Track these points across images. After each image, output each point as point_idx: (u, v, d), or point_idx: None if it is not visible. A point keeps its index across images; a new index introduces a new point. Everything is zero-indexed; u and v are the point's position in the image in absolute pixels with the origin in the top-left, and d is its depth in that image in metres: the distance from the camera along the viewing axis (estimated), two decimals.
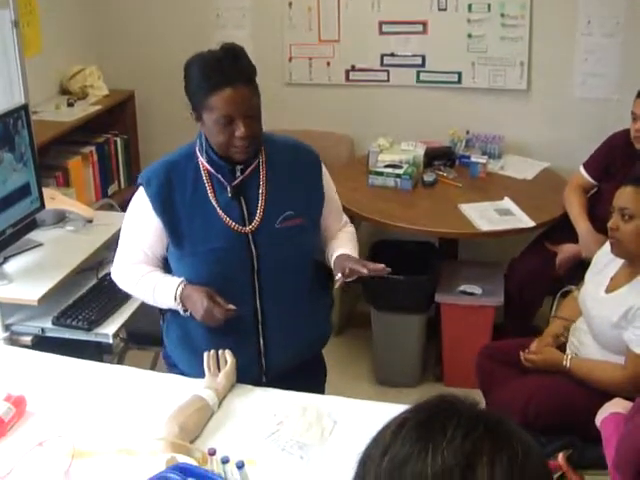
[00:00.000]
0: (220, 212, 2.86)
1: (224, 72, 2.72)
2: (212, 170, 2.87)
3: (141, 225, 2.93)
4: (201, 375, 2.83)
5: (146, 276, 2.96)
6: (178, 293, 2.86)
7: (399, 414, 1.22)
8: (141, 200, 2.90)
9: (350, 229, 3.24)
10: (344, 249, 3.05)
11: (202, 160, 2.88)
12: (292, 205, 2.93)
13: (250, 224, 2.88)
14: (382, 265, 2.87)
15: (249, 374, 2.92)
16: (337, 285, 2.91)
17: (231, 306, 2.82)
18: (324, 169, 3.09)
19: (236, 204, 2.88)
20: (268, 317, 2.94)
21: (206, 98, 2.73)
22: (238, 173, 2.87)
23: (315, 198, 3.04)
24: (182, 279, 2.89)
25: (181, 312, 2.89)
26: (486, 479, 1.11)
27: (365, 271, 2.84)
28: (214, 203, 2.86)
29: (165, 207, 2.85)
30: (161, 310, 3.10)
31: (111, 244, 3.90)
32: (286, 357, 3.01)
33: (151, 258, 2.97)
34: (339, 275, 2.88)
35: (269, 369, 2.99)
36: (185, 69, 2.82)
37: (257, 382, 2.93)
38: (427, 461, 1.13)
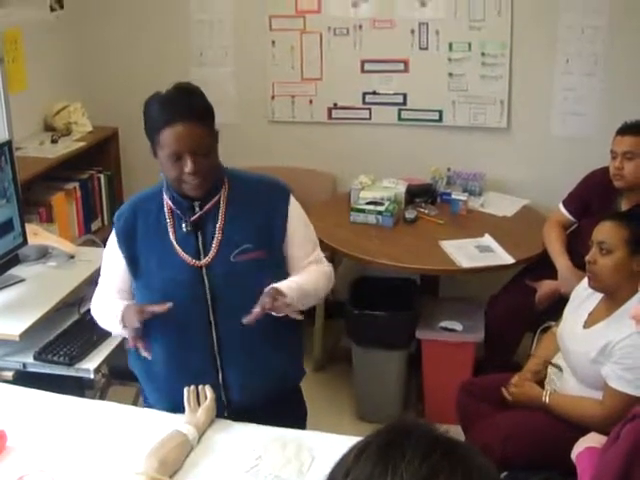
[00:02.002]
0: (176, 246, 2.91)
1: (172, 110, 2.76)
2: (173, 206, 2.93)
3: (110, 261, 3.06)
4: (166, 408, 2.92)
5: (105, 307, 3.08)
6: (120, 313, 2.95)
7: (363, 438, 1.26)
8: (112, 237, 3.03)
9: (319, 267, 3.14)
10: (286, 282, 2.95)
11: (165, 197, 2.95)
12: (250, 239, 2.93)
13: (204, 258, 2.92)
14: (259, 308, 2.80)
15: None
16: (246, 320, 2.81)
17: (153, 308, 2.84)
18: (292, 202, 3.05)
19: (193, 239, 2.92)
20: (226, 352, 2.95)
21: (157, 135, 2.78)
22: (197, 209, 2.91)
23: (277, 231, 3.00)
24: (124, 303, 2.97)
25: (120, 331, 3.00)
26: None
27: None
28: (172, 237, 2.92)
29: (128, 242, 2.97)
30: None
31: (93, 280, 3.91)
32: (248, 393, 2.99)
33: (121, 293, 3.05)
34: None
35: (230, 404, 2.99)
36: (143, 108, 2.88)
37: (219, 416, 2.93)
38: None
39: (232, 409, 2.99)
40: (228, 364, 2.97)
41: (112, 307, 3.01)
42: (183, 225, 2.91)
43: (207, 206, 2.92)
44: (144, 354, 2.90)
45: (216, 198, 2.93)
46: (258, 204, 3.00)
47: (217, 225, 2.93)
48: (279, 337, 3.00)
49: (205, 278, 2.91)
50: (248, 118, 5.65)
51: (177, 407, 2.91)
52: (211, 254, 2.91)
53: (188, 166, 2.76)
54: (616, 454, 2.58)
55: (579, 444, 2.93)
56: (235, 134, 5.18)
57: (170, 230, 2.93)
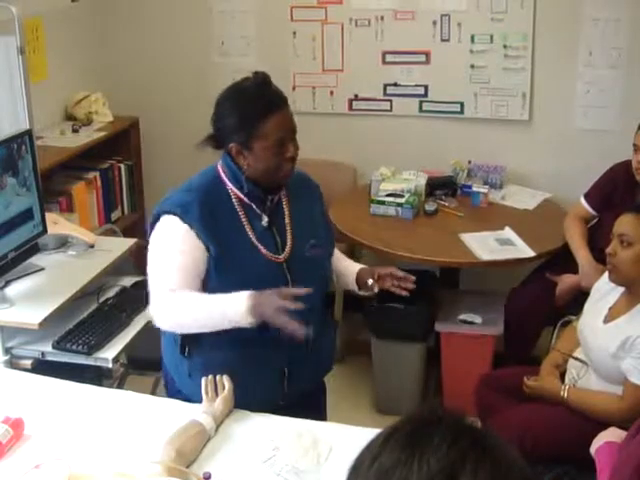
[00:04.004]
0: (255, 241, 2.88)
1: (271, 97, 2.83)
2: (246, 200, 2.89)
3: (185, 252, 2.83)
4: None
5: (199, 299, 2.84)
6: (248, 303, 2.72)
7: (390, 425, 1.25)
8: (179, 229, 2.82)
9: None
10: (356, 264, 3.23)
11: (233, 189, 2.89)
12: (314, 234, 3.02)
13: (282, 253, 2.92)
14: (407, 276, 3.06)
15: (269, 398, 2.99)
16: (373, 287, 3.03)
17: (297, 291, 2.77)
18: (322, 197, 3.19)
19: (270, 233, 2.92)
20: (295, 346, 2.89)
21: (258, 126, 2.78)
22: (269, 203, 2.92)
23: (328, 228, 3.17)
24: (249, 292, 2.75)
25: (247, 324, 2.74)
26: None
27: (399, 274, 3.04)
28: (249, 232, 2.88)
29: (207, 231, 2.81)
30: (185, 352, 2.98)
31: (112, 269, 3.93)
32: (306, 381, 3.09)
33: (195, 285, 2.87)
34: (370, 280, 3.03)
35: (289, 392, 3.03)
36: (221, 104, 2.87)
37: (276, 406, 2.96)
38: (413, 469, 1.15)
39: (289, 397, 3.03)
40: (295, 355, 2.97)
41: (217, 300, 2.79)
42: (265, 219, 2.91)
43: (276, 198, 2.95)
44: (300, 333, 2.68)
45: (283, 191, 2.98)
46: (308, 201, 3.09)
47: (285, 219, 2.96)
48: (328, 326, 3.13)
49: (287, 273, 2.91)
50: None
51: (251, 404, 2.90)
52: (288, 249, 2.93)
53: (291, 150, 2.84)
54: (636, 451, 2.55)
55: (598, 439, 2.91)
56: None
57: (246, 224, 2.89)
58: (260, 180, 2.87)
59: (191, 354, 2.99)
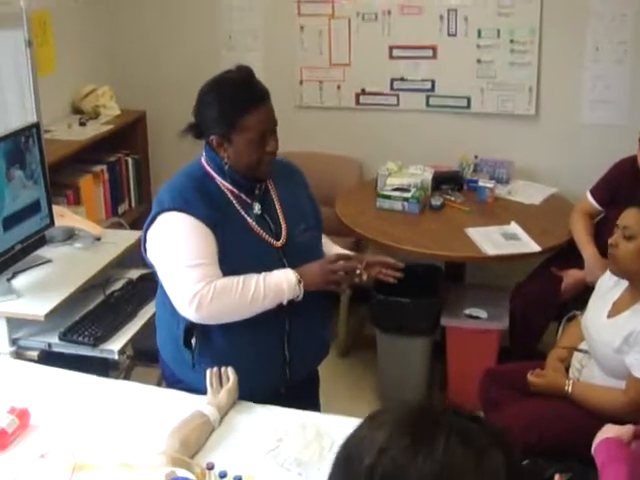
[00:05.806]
0: (257, 228, 2.90)
1: (254, 91, 2.84)
2: (235, 190, 2.91)
3: (203, 242, 2.81)
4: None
5: (246, 281, 2.83)
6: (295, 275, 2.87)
7: (389, 415, 1.25)
8: (186, 221, 2.81)
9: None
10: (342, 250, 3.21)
11: (221, 181, 2.91)
12: (303, 219, 3.05)
13: (278, 239, 2.94)
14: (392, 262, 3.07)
15: (273, 385, 3.02)
16: (361, 276, 2.97)
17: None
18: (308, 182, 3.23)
19: (264, 220, 2.94)
20: (294, 329, 2.99)
21: (239, 119, 2.80)
22: (257, 191, 2.95)
23: (316, 211, 3.16)
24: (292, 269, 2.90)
25: (296, 294, 2.87)
26: None
27: (389, 261, 3.06)
28: (249, 220, 2.90)
29: (210, 221, 2.81)
30: (187, 344, 2.97)
31: (119, 262, 3.95)
32: (307, 368, 3.15)
33: (219, 271, 2.86)
34: (359, 269, 2.98)
35: (291, 380, 3.05)
36: (204, 96, 2.90)
37: (277, 394, 2.98)
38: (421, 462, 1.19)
39: (291, 385, 3.06)
40: (294, 341, 3.00)
41: (267, 279, 2.83)
42: (257, 206, 2.94)
43: (263, 186, 2.98)
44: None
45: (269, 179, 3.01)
46: (293, 187, 3.11)
47: (276, 206, 2.99)
48: (327, 311, 3.18)
49: (284, 259, 2.93)
50: (276, 103, 5.52)
51: (255, 392, 2.92)
52: (284, 235, 2.95)
53: (271, 144, 2.87)
54: None
55: (597, 437, 2.88)
56: None
57: (243, 213, 2.90)
58: (241, 172, 2.89)
59: (195, 345, 2.98)
